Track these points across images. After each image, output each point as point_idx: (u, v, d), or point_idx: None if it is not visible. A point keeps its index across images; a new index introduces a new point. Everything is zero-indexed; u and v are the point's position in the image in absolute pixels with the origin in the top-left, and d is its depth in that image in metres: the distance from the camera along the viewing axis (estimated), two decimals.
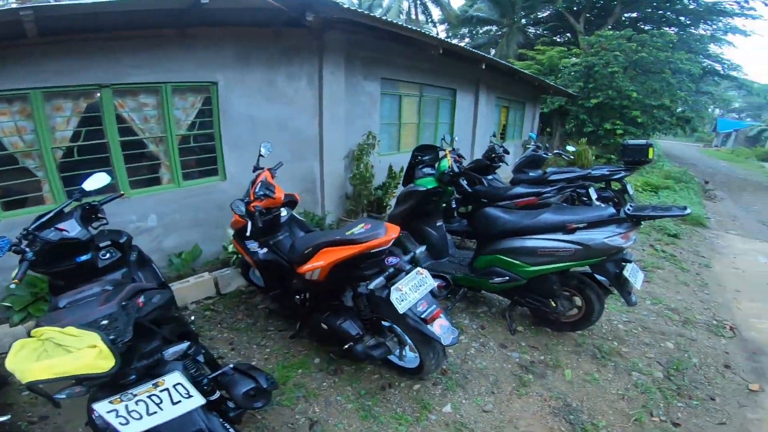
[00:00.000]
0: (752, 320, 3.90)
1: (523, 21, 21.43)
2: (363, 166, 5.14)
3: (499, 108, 9.99)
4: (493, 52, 20.99)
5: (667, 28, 16.73)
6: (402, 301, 2.13)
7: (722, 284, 4.70)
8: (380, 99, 5.82)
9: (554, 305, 3.08)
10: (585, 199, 5.09)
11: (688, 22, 18.20)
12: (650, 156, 6.02)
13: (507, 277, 3.07)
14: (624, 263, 2.76)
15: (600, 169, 6.16)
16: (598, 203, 5.18)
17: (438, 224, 3.66)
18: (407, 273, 2.22)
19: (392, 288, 2.14)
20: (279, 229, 3.04)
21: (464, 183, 3.29)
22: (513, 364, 2.95)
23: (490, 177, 5.55)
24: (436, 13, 25.12)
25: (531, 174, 5.84)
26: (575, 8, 19.48)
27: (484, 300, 3.80)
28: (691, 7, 17.67)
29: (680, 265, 5.00)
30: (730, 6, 17.16)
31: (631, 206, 2.69)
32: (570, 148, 7.13)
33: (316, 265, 2.34)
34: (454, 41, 24.50)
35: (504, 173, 6.23)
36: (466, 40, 24.75)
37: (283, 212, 3.09)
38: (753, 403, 2.70)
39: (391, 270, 2.23)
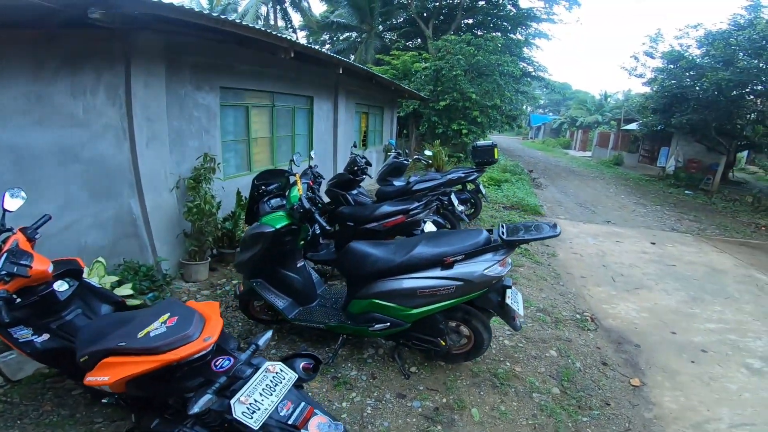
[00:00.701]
0: (604, 306, 4.34)
1: (381, 27, 22.08)
2: (201, 196, 4.13)
3: (359, 114, 9.80)
4: (352, 57, 21.15)
5: (495, 33, 19.19)
6: (254, 413, 1.44)
7: (570, 272, 5.24)
8: (220, 112, 4.84)
9: (443, 343, 2.77)
10: (448, 206, 5.13)
11: (509, 28, 21.39)
12: (496, 156, 6.51)
13: (388, 323, 2.65)
14: (505, 289, 2.60)
15: (456, 173, 6.41)
16: (460, 208, 5.29)
17: (299, 265, 3.00)
18: (250, 378, 1.54)
19: (234, 402, 1.44)
20: (64, 307, 2.12)
21: (321, 219, 2.68)
22: (416, 416, 2.55)
23: (354, 192, 5.18)
24: (296, 18, 24.09)
25: (396, 183, 5.70)
26: (425, 14, 20.96)
27: (369, 341, 3.33)
28: (512, 14, 20.76)
29: (534, 258, 5.42)
30: (539, 12, 20.77)
31: (503, 229, 2.53)
32: (427, 153, 7.30)
33: (101, 381, 1.56)
34: (316, 47, 23.86)
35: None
36: (327, 46, 24.45)
37: (62, 286, 2.13)
38: (642, 400, 2.84)
39: (223, 380, 1.51)
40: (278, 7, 23.26)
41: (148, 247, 4.00)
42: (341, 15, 21.79)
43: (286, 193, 2.94)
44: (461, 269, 2.43)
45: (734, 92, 11.18)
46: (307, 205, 2.63)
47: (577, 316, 4.03)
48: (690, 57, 12.26)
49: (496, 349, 3.33)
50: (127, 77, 3.61)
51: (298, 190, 2.69)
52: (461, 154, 13.91)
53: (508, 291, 2.57)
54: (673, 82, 12.86)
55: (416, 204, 3.87)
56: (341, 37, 23.85)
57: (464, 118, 13.46)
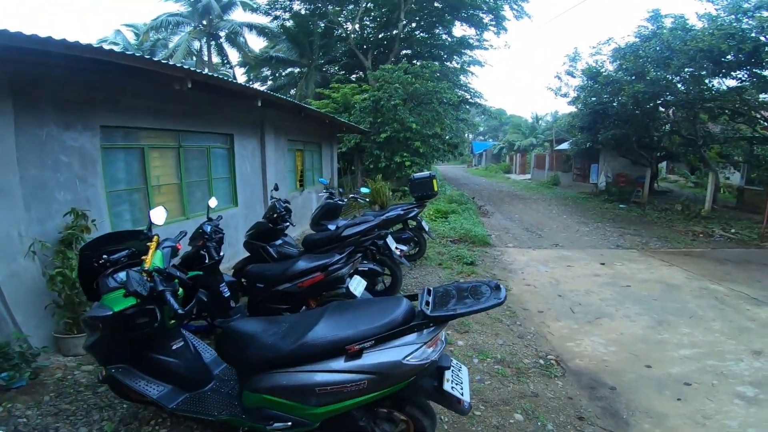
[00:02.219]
0: (568, 344, 3.87)
1: (321, 61, 21.96)
2: (67, 262, 3.21)
3: (292, 152, 9.17)
4: (293, 92, 20.78)
5: (433, 62, 19.95)
6: None
7: (526, 307, 4.78)
8: (103, 156, 3.99)
9: None
10: (385, 250, 4.53)
11: (445, 57, 22.14)
12: (435, 188, 6.13)
13: (289, 422, 1.91)
14: (442, 371, 1.95)
15: (394, 210, 5.93)
16: (398, 252, 4.68)
17: (176, 346, 2.18)
18: None
19: None
20: None
21: (173, 301, 1.86)
22: None
23: (278, 242, 4.47)
24: (234, 55, 23.45)
25: (329, 226, 5.07)
26: (365, 46, 21.15)
27: None
28: (447, 42, 21.56)
29: None
30: (471, 40, 21.73)
31: (429, 298, 1.91)
32: (364, 190, 6.78)
33: None
34: (256, 84, 23.52)
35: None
36: (269, 82, 23.95)
37: None
38: None
39: None
40: (213, 42, 22.62)
41: (7, 321, 3.01)
42: (281, 50, 21.51)
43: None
44: (371, 359, 1.77)
45: (649, 105, 11.74)
46: (160, 284, 1.85)
47: (541, 361, 3.50)
48: (606, 72, 12.81)
49: (448, 423, 2.67)
50: None
51: (147, 261, 1.91)
52: (406, 188, 13.61)
53: (447, 373, 1.94)
54: (593, 98, 13.33)
55: (336, 257, 3.17)
56: (284, 73, 23.47)
57: (406, 150, 13.24)
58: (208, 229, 3.23)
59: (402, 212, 5.76)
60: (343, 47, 21.63)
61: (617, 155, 16.03)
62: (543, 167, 25.19)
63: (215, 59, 23.01)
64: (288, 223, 4.50)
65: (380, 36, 21.72)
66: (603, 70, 13.17)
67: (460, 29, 21.88)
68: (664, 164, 21.38)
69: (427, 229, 6.15)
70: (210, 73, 4.34)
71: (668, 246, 7.95)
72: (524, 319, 4.41)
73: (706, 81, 10.31)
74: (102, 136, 3.98)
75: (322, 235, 4.50)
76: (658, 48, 10.39)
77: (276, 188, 4.88)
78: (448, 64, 21.73)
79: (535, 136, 37.53)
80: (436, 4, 19.66)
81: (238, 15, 23.57)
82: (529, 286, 5.50)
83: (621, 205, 13.30)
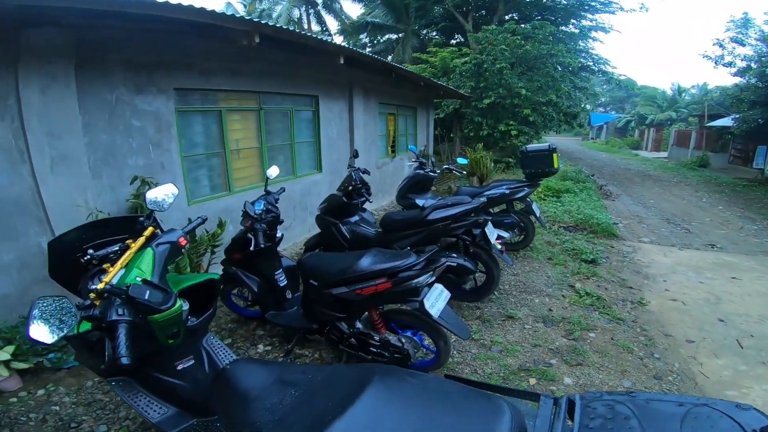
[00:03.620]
0: (730, 394, 2.66)
1: (417, 25, 20.73)
2: None
3: (384, 116, 8.51)
4: (390, 58, 20.13)
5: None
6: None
7: (668, 332, 3.51)
8: (179, 120, 3.79)
9: None
10: (481, 241, 3.57)
11: (560, 20, 18.97)
12: (555, 165, 4.90)
13: None
14: None
15: (499, 188, 4.89)
16: (498, 246, 3.70)
17: (181, 367, 1.61)
18: None
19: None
20: None
21: (123, 338, 1.18)
22: None
23: (354, 219, 3.88)
24: (332, 23, 23.68)
25: (417, 201, 4.28)
26: (464, 8, 19.27)
27: None
28: (560, 5, 18.45)
29: (612, 314, 3.72)
30: (594, 2, 18.19)
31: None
32: (461, 161, 5.78)
33: None
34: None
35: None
36: (367, 49, 23.76)
37: None
38: None
39: None
40: (312, 10, 22.76)
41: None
42: (377, 15, 20.68)
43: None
44: None
45: None
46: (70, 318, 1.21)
47: None
48: None
49: None
50: (17, 87, 2.65)
51: (110, 271, 1.35)
52: (511, 159, 12.10)
53: None
54: None
55: (412, 260, 2.28)
56: (381, 39, 22.73)
57: (513, 118, 11.67)
58: (259, 208, 2.73)
59: (508, 191, 4.74)
60: (441, 9, 19.80)
61: None
62: (686, 145, 20.54)
63: (315, 27, 23.12)
64: (364, 198, 3.89)
65: None
66: None
67: None
68: None
69: (538, 214, 4.99)
70: (280, 26, 3.79)
71: None
72: (665, 351, 3.20)
73: None
74: (177, 99, 3.76)
75: (405, 216, 3.71)
76: None
77: (356, 155, 4.22)
78: (564, 28, 18.63)
79: (675, 110, 31.96)
80: None
81: None
82: (675, 301, 4.09)
83: None
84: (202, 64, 3.93)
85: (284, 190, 3.27)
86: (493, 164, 10.16)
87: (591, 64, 19.07)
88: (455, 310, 2.76)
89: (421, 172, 4.63)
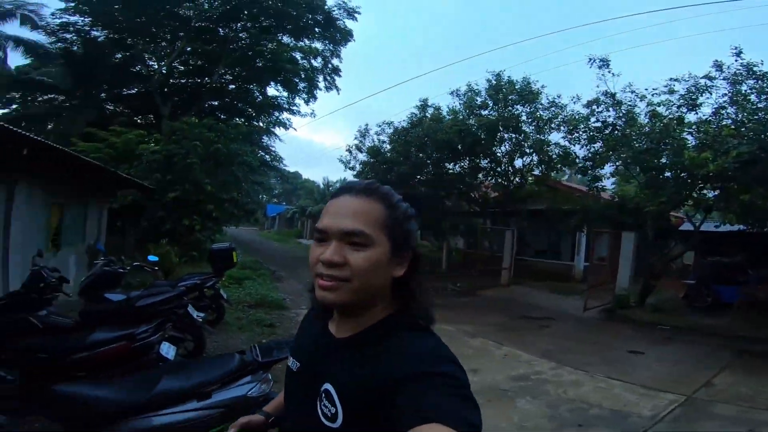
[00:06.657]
0: None
1: (103, 95, 17.91)
2: None
3: (48, 207, 7.43)
4: (50, 126, 16.15)
5: (239, 119, 18.72)
6: None
7: None
8: None
9: None
10: (185, 317, 4.53)
11: (254, 114, 21.65)
12: (235, 260, 6.48)
13: None
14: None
15: (191, 279, 5.88)
16: (199, 320, 4.78)
17: None
18: None
19: None
20: None
21: None
22: None
23: (43, 313, 3.81)
24: None
25: (112, 298, 4.53)
26: (166, 89, 18.20)
27: None
28: (258, 100, 20.98)
29: None
30: (282, 103, 21.59)
31: (258, 351, 2.45)
32: (151, 258, 6.35)
33: None
34: None
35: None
36: (14, 105, 17.64)
37: None
38: None
39: None
40: None
41: None
42: (49, 74, 16.38)
43: None
44: (221, 396, 2.23)
45: (409, 182, 13.83)
46: None
47: None
48: (384, 151, 14.76)
49: None
50: None
51: None
52: (195, 253, 12.50)
53: None
54: (373, 174, 14.52)
55: (144, 327, 3.18)
56: (41, 99, 18.01)
57: (197, 213, 12.29)
58: None
59: (199, 281, 5.75)
60: (140, 87, 18.47)
61: None
62: None
63: None
64: (60, 293, 3.90)
65: (188, 81, 19.80)
66: (383, 149, 15.02)
67: (273, 90, 21.38)
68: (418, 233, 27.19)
69: (225, 296, 6.31)
70: None
71: None
72: None
73: (446, 165, 13.65)
74: None
75: (107, 307, 4.06)
76: (420, 134, 13.29)
77: (40, 254, 4.12)
78: (255, 123, 21.55)
79: (325, 203, 40.44)
80: (258, 63, 19.05)
81: (10, 28, 16.02)
82: None
83: None
84: None
85: None
86: (178, 259, 10.59)
87: (269, 159, 22.41)
88: None
89: (109, 269, 4.88)
